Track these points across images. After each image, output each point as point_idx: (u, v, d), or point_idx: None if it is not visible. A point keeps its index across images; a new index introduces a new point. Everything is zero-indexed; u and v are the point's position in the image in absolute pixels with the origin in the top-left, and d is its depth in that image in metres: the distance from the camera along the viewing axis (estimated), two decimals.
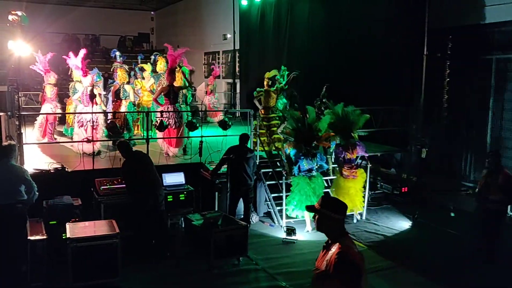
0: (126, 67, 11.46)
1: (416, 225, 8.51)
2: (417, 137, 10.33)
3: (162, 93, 9.71)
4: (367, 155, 8.74)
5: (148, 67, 12.27)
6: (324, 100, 9.79)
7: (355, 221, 8.60)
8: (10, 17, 7.97)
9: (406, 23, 10.55)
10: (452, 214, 8.42)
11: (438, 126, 10.38)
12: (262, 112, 10.13)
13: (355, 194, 8.40)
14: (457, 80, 9.99)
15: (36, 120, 11.08)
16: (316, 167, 8.10)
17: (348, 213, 8.40)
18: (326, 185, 8.60)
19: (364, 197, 8.66)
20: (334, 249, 3.11)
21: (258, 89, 10.27)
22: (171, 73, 9.70)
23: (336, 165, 8.77)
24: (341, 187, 8.41)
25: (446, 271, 6.47)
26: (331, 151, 9.02)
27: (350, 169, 8.33)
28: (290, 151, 8.27)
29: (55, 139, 10.99)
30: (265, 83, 10.19)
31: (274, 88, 10.22)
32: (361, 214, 8.80)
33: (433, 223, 8.49)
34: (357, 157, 8.44)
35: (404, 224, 8.61)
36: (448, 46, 9.99)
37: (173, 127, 9.54)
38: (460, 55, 9.88)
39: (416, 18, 10.22)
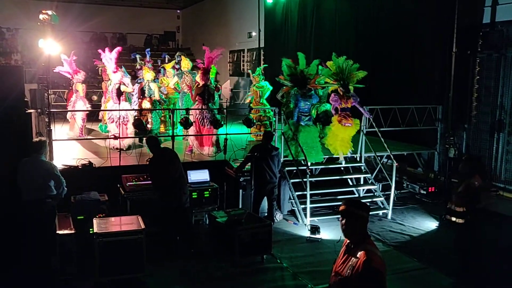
0: (150, 65, 11.63)
1: (443, 225, 8.33)
2: (445, 136, 10.11)
3: (197, 94, 9.62)
4: (361, 108, 9.26)
5: (168, 65, 12.42)
6: None
7: (343, 163, 9.47)
8: (41, 16, 8.08)
9: (435, 20, 10.36)
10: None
11: (468, 124, 10.13)
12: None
13: (347, 140, 9.19)
14: (487, 77, 9.73)
15: (72, 116, 11.27)
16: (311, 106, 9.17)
17: (336, 155, 9.31)
18: (319, 129, 9.67)
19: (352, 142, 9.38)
20: (359, 255, 3.06)
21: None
22: (206, 73, 9.63)
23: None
24: (337, 134, 9.13)
25: (476, 273, 6.31)
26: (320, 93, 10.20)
27: (346, 117, 8.98)
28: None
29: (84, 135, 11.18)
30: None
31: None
32: (346, 158, 9.56)
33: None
34: (351, 106, 9.15)
35: (431, 224, 8.44)
36: (478, 43, 9.75)
37: (208, 126, 9.46)
38: (490, 52, 9.61)
39: (445, 14, 10.01)
